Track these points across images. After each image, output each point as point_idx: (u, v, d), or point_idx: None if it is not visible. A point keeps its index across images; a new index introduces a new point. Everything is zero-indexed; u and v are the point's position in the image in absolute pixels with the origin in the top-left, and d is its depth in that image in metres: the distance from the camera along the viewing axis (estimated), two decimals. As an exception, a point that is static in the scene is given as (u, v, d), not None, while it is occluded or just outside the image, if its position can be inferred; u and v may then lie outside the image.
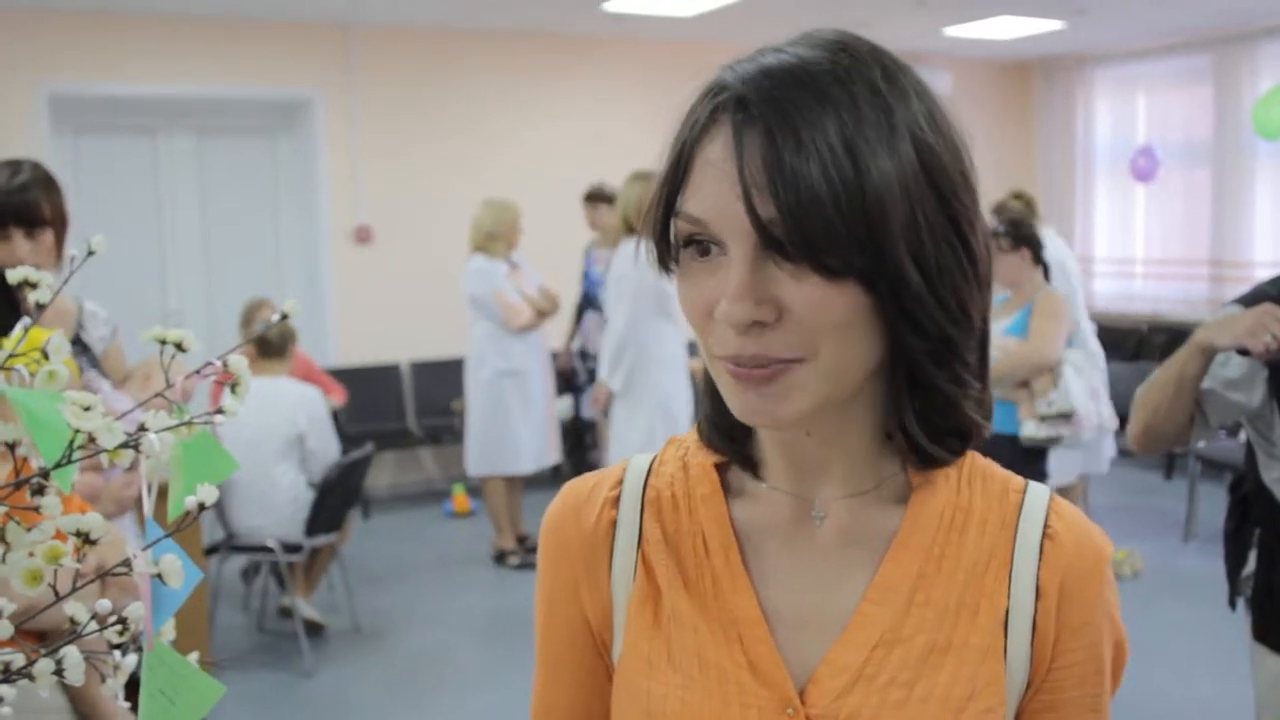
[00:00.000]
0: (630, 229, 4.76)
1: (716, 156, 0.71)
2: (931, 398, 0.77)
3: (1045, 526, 0.82)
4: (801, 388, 0.72)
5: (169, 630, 0.65)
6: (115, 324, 2.70)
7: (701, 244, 0.73)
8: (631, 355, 4.69)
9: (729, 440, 0.84)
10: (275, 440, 4.32)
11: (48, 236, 2.41)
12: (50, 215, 2.41)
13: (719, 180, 0.71)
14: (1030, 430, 4.24)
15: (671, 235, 0.76)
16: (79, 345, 2.56)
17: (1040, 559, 0.81)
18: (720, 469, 0.86)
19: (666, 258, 0.77)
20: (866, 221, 0.68)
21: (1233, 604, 2.19)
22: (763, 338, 0.71)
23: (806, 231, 0.68)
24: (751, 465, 0.85)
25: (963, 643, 0.79)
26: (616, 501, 0.87)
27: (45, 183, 2.44)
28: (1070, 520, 0.83)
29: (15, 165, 2.44)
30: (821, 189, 0.67)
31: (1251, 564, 2.10)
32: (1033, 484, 0.85)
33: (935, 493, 0.82)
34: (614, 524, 0.86)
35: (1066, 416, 4.45)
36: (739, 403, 0.74)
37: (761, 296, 0.70)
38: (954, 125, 0.75)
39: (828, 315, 0.70)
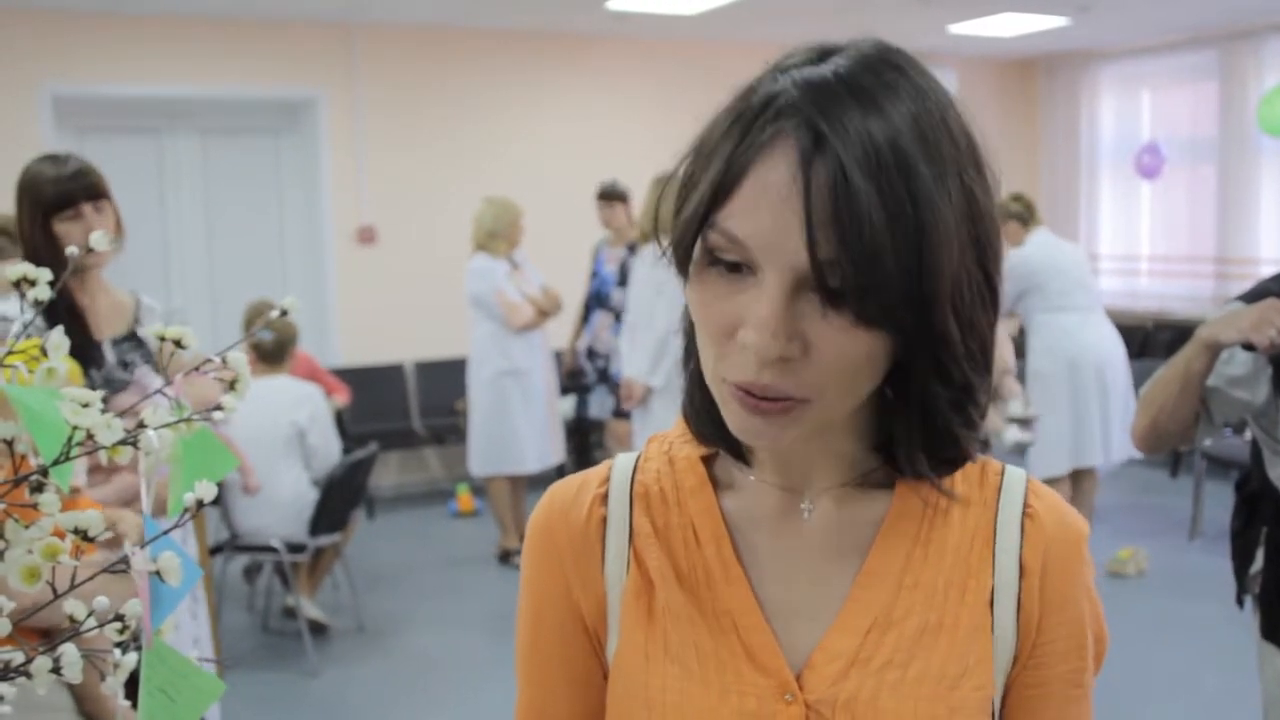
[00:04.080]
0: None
1: (778, 181, 0.68)
2: (944, 439, 0.78)
3: (1025, 506, 0.84)
4: (805, 421, 0.73)
5: (169, 628, 0.65)
6: (173, 319, 2.73)
7: (732, 260, 0.71)
8: (675, 351, 4.73)
9: (718, 428, 0.83)
10: (276, 439, 4.33)
11: (110, 210, 2.57)
12: (104, 187, 2.56)
13: (776, 207, 0.68)
14: (1015, 435, 4.22)
15: (698, 243, 0.73)
16: (135, 340, 2.58)
17: (1022, 538, 0.82)
18: (706, 462, 0.87)
19: (686, 262, 0.75)
20: (921, 278, 0.67)
21: (1240, 602, 2.19)
22: (782, 372, 0.70)
23: (864, 281, 0.67)
24: (739, 453, 0.85)
25: (953, 622, 0.80)
26: (605, 499, 0.87)
27: (89, 164, 2.61)
28: (1048, 500, 0.85)
29: (58, 155, 2.61)
30: (885, 241, 0.66)
31: (1259, 562, 2.09)
32: (1009, 466, 0.86)
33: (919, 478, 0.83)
34: (604, 521, 0.87)
35: (1033, 418, 4.45)
36: (742, 425, 0.74)
37: (792, 332, 0.69)
38: (989, 165, 0.74)
39: (849, 360, 0.70)
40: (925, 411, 0.76)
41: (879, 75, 0.70)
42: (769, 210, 0.68)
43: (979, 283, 0.72)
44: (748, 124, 0.70)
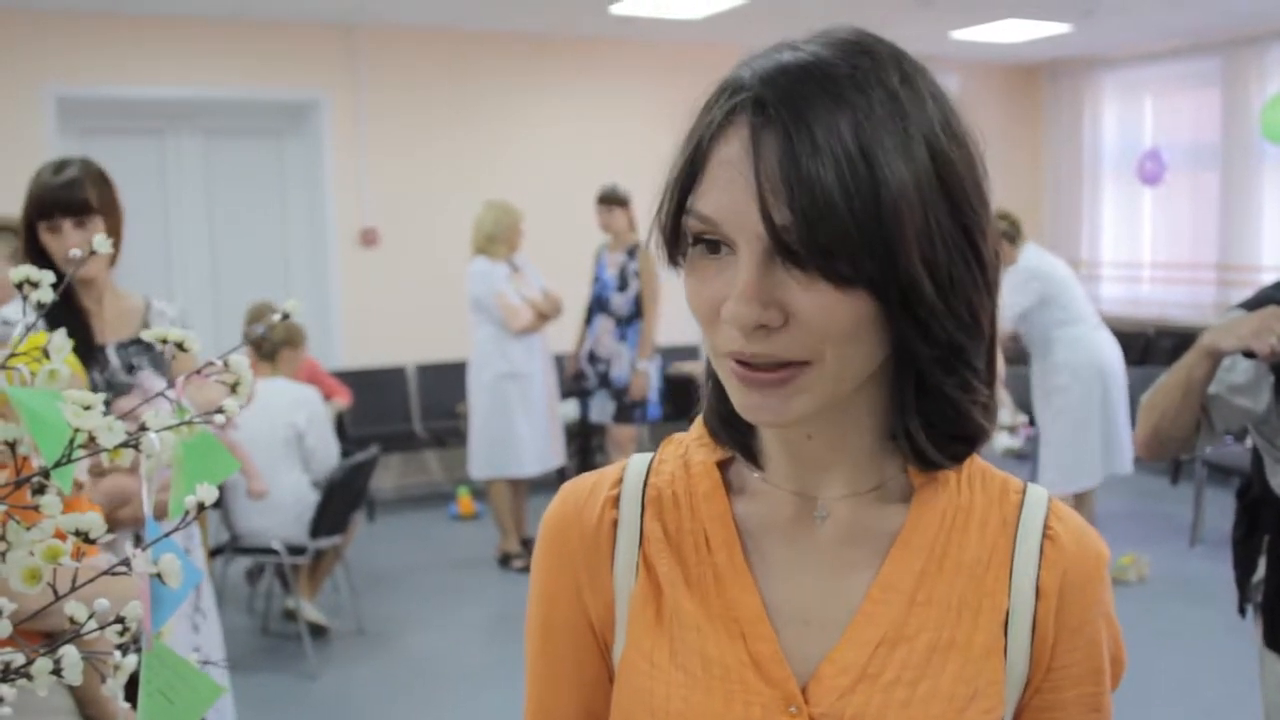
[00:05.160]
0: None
1: (732, 157, 0.71)
2: (938, 403, 0.77)
3: (1045, 528, 0.82)
4: (807, 390, 0.73)
5: (168, 630, 0.65)
6: (185, 323, 2.71)
7: (711, 242, 0.73)
8: None
9: (733, 431, 0.84)
10: (275, 441, 4.33)
11: (97, 224, 2.48)
12: (98, 204, 2.47)
13: (733, 181, 0.70)
14: (1004, 442, 4.21)
15: (682, 232, 0.75)
16: (143, 344, 2.58)
17: (1041, 560, 0.81)
18: (721, 467, 0.86)
19: (675, 253, 0.77)
20: (880, 229, 0.68)
21: (1242, 611, 2.18)
22: (768, 339, 0.71)
23: (819, 238, 0.68)
24: (754, 457, 0.85)
25: (965, 642, 0.79)
26: (617, 501, 0.87)
27: (94, 176, 2.52)
28: (1069, 522, 0.84)
29: (64, 162, 2.53)
30: (836, 195, 0.67)
31: (1261, 570, 2.08)
32: (1031, 485, 0.85)
33: (937, 492, 0.82)
34: (615, 523, 0.86)
35: (1020, 425, 4.44)
36: (744, 401, 0.74)
37: (769, 300, 0.70)
38: (969, 132, 0.75)
39: (834, 322, 0.70)
40: (918, 379, 0.76)
41: (836, 49, 0.72)
42: (729, 185, 0.71)
43: (954, 237, 0.72)
44: (707, 110, 0.74)
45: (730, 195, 0.71)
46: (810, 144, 0.68)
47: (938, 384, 0.75)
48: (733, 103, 0.72)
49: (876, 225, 0.68)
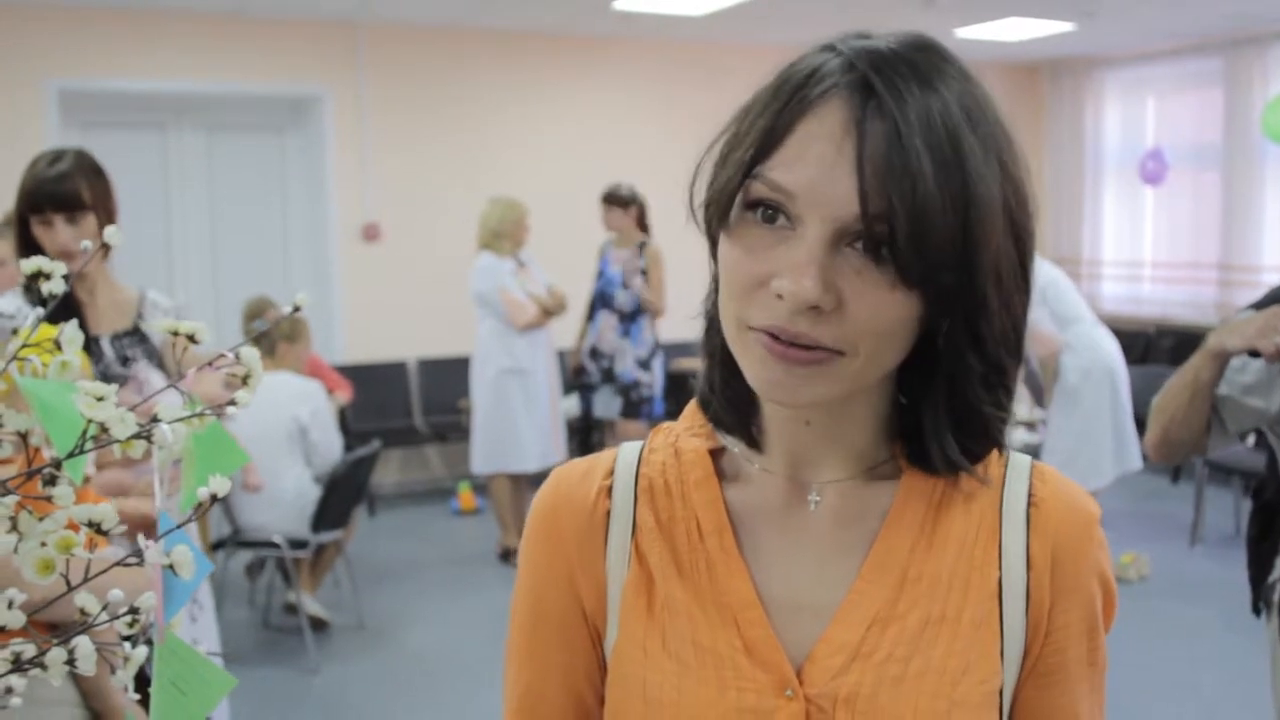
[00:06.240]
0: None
1: (828, 133, 0.70)
2: (968, 418, 0.78)
3: (1030, 494, 0.82)
4: (829, 378, 0.73)
5: (178, 622, 0.65)
6: (182, 314, 2.70)
7: (770, 212, 0.72)
8: None
9: (737, 413, 0.84)
10: (278, 435, 4.33)
11: (90, 221, 2.45)
12: (92, 201, 2.45)
13: (828, 158, 0.70)
14: (1022, 437, 4.19)
15: (737, 198, 0.74)
16: (137, 335, 2.57)
17: (1029, 529, 0.81)
18: (713, 455, 0.87)
19: (721, 219, 0.75)
20: (966, 242, 0.69)
21: (1257, 610, 2.17)
22: (814, 322, 0.71)
23: (914, 237, 0.68)
24: (753, 440, 0.85)
25: (955, 616, 0.79)
26: (610, 491, 0.87)
27: (88, 170, 2.48)
28: (1055, 485, 0.84)
29: (58, 153, 2.49)
30: (935, 201, 0.68)
31: (1278, 570, 2.07)
32: (1013, 453, 0.85)
33: (924, 470, 0.82)
34: (608, 514, 0.86)
35: (1038, 421, 4.43)
36: (763, 375, 0.74)
37: (828, 284, 0.70)
38: (1024, 161, 0.76)
39: (881, 318, 0.70)
40: (954, 390, 0.76)
41: (927, 55, 0.73)
42: (818, 161, 0.70)
43: (1014, 263, 0.74)
44: (796, 87, 0.72)
45: (820, 171, 0.70)
46: (917, 143, 0.68)
47: (977, 401, 0.76)
48: (833, 81, 0.71)
49: (963, 237, 0.69)
